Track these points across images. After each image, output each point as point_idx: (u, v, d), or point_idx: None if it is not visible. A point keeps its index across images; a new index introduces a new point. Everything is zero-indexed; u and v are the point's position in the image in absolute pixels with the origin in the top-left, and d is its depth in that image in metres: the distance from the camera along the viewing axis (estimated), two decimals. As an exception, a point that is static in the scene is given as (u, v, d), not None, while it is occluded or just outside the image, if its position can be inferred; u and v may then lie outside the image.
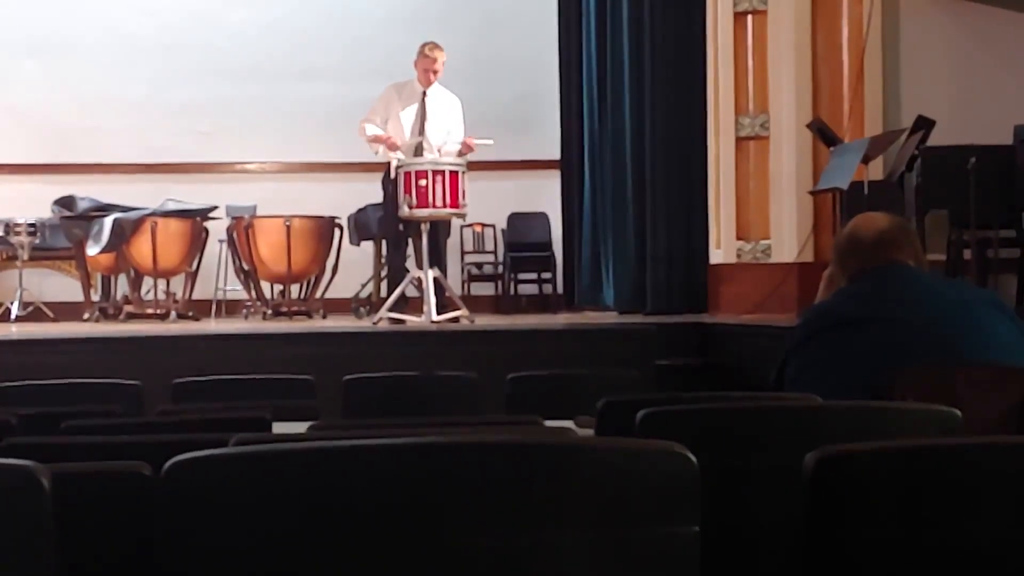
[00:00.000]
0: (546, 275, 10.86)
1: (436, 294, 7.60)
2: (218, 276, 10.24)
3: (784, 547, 1.82)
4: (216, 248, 9.79)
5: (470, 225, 10.75)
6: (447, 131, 8.20)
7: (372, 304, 9.38)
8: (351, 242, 9.77)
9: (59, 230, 9.53)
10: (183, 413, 3.40)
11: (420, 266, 7.73)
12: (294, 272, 9.02)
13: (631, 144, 9.04)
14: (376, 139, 8.13)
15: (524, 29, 11.01)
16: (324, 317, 9.08)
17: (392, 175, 7.84)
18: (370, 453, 1.52)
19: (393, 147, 7.99)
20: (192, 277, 9.27)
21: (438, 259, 7.90)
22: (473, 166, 7.98)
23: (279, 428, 2.79)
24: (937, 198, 6.61)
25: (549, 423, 2.71)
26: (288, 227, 8.83)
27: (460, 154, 8.01)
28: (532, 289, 10.99)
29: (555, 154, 10.63)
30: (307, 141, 10.99)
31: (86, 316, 9.16)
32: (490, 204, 10.24)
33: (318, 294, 9.42)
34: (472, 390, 4.02)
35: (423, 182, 7.46)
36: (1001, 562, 1.68)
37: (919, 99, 7.61)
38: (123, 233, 8.84)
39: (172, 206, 9.24)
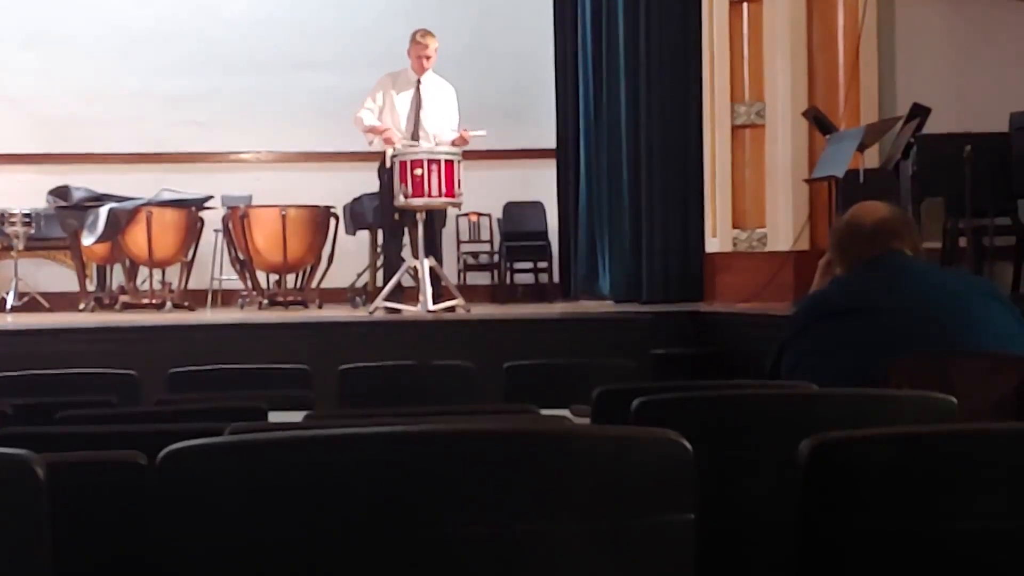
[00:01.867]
0: (542, 264, 10.86)
1: (432, 283, 7.60)
2: (214, 266, 10.23)
3: (779, 534, 1.82)
4: (212, 238, 9.78)
5: (466, 214, 10.75)
6: (442, 119, 8.20)
7: (368, 293, 9.38)
8: (347, 231, 9.76)
9: (54, 220, 9.52)
10: (179, 403, 3.40)
11: (416, 255, 7.73)
12: (290, 262, 9.02)
13: (627, 133, 9.04)
14: (372, 130, 8.12)
15: (520, 19, 11.01)
16: (320, 307, 9.08)
17: (388, 164, 7.84)
18: (365, 442, 1.51)
19: (389, 142, 7.96)
20: (188, 267, 9.26)
21: (434, 248, 7.90)
22: (469, 155, 7.97)
23: (275, 417, 2.79)
24: (933, 186, 6.61)
25: (545, 412, 2.71)
26: (284, 216, 8.83)
27: (455, 143, 8.00)
28: (528, 278, 10.99)
29: (551, 143, 10.62)
30: (303, 131, 10.98)
31: (82, 306, 9.16)
32: (486, 193, 10.23)
33: (314, 284, 9.41)
34: (468, 379, 4.02)
35: (419, 171, 7.45)
36: (996, 548, 1.68)
37: (915, 87, 7.61)
38: (118, 223, 8.83)
39: (167, 196, 9.22)
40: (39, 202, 9.62)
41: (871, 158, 7.21)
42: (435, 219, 8.05)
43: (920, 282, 3.10)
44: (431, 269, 7.63)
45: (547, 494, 1.50)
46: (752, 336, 6.55)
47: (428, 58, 8.15)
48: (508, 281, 10.93)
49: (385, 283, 8.07)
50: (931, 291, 3.06)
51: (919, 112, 7.02)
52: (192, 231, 9.15)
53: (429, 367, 4.24)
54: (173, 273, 9.29)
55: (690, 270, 8.65)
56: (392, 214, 8.06)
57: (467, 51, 10.25)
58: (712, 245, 8.45)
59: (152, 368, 4.35)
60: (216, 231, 9.68)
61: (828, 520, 1.66)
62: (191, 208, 9.15)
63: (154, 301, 8.91)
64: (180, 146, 10.98)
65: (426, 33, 8.18)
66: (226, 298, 10.30)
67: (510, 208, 11.04)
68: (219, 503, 1.47)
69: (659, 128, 8.74)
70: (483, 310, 8.38)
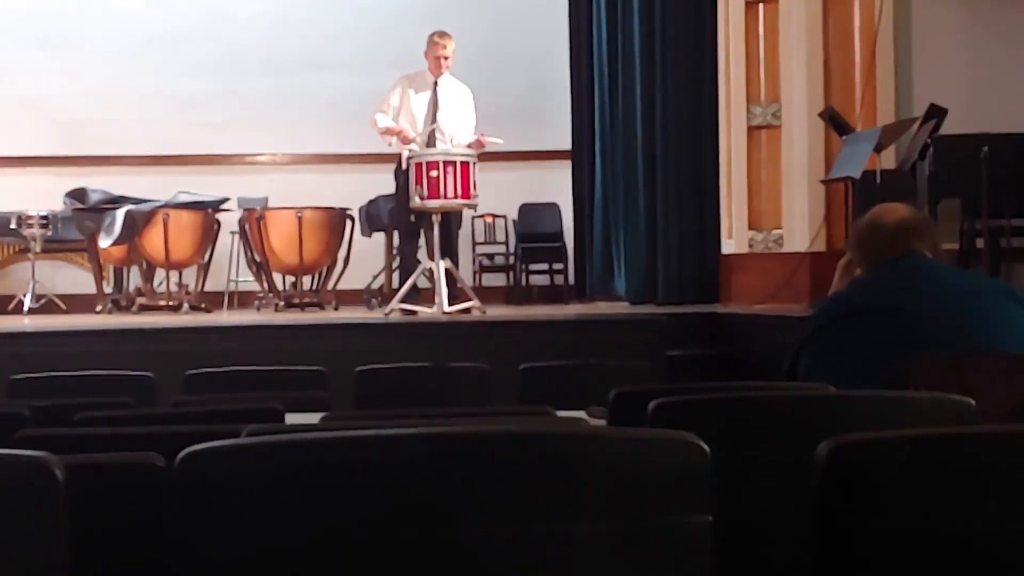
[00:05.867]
0: (557, 266, 10.86)
1: (447, 285, 7.60)
2: (230, 268, 10.25)
3: (797, 536, 1.81)
4: (228, 240, 9.80)
5: (481, 216, 10.76)
6: (459, 120, 8.20)
7: (384, 295, 9.39)
8: (363, 233, 9.77)
9: (71, 222, 9.55)
10: (196, 404, 3.40)
11: (431, 257, 7.73)
12: (306, 263, 9.03)
13: (642, 134, 9.03)
14: (388, 131, 8.13)
15: (535, 20, 11.00)
16: (336, 308, 9.09)
17: (404, 166, 7.85)
18: (382, 443, 1.52)
19: (406, 141, 7.97)
20: (204, 269, 9.28)
21: (449, 250, 7.90)
22: (484, 157, 7.97)
23: (292, 419, 2.79)
24: (950, 187, 6.59)
25: (561, 413, 2.71)
26: (300, 218, 8.84)
27: (470, 146, 8.01)
28: (543, 280, 10.99)
29: (566, 145, 10.62)
30: (318, 132, 10.99)
31: (98, 308, 9.18)
32: (501, 195, 10.25)
33: (330, 285, 9.43)
34: (484, 381, 4.02)
35: (434, 173, 7.45)
36: (1014, 550, 1.68)
37: (931, 87, 7.59)
38: (135, 225, 8.85)
39: (184, 198, 9.25)
40: (56, 204, 9.65)
41: (888, 159, 7.19)
42: (451, 220, 8.05)
43: (939, 283, 3.10)
44: (447, 271, 7.63)
45: (564, 496, 1.50)
46: (768, 337, 6.53)
47: (446, 59, 8.16)
48: (523, 282, 10.93)
49: (401, 285, 8.08)
50: (949, 292, 3.06)
51: (936, 113, 7.00)
52: (208, 233, 9.17)
53: (445, 369, 4.24)
54: (190, 275, 9.31)
55: (706, 271, 8.64)
56: (408, 216, 8.07)
57: (482, 52, 10.25)
58: (728, 246, 8.44)
59: (169, 370, 4.36)
60: (232, 233, 9.70)
61: (845, 522, 1.66)
62: (207, 210, 9.17)
63: (171, 303, 8.92)
64: (196, 148, 11.00)
65: (444, 34, 8.18)
66: (242, 300, 10.32)
67: (525, 209, 11.04)
68: (236, 505, 1.48)
69: (674, 129, 8.73)
70: (499, 311, 8.38)
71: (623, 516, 1.51)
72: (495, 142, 8.00)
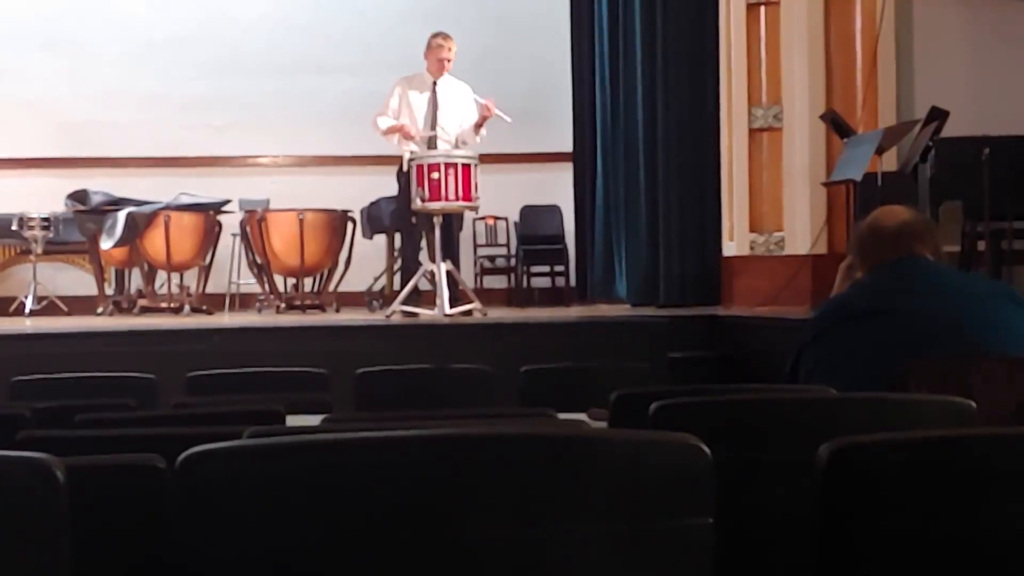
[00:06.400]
0: (559, 268, 10.85)
1: (449, 287, 7.60)
2: (231, 270, 10.25)
3: (798, 538, 1.81)
4: (229, 242, 9.80)
5: (483, 218, 10.76)
6: (461, 118, 8.22)
7: (385, 297, 9.39)
8: (364, 235, 9.77)
9: (73, 224, 9.55)
10: (197, 406, 3.40)
11: (433, 259, 7.74)
12: (307, 265, 9.03)
13: (644, 136, 9.03)
14: (391, 130, 8.16)
15: (537, 22, 11.01)
16: (337, 310, 9.09)
17: (405, 168, 7.86)
18: (384, 445, 1.52)
19: (408, 136, 7.99)
20: (205, 271, 9.28)
21: (451, 252, 7.91)
22: (486, 159, 7.97)
23: (293, 421, 2.80)
24: (951, 189, 6.59)
25: (562, 415, 2.71)
26: (301, 220, 8.84)
27: (479, 123, 8.01)
28: (545, 282, 10.98)
29: (568, 147, 10.62)
30: (320, 134, 11.00)
31: (100, 310, 9.19)
32: (503, 197, 10.24)
33: (331, 287, 9.42)
34: (485, 383, 4.03)
35: (436, 175, 7.45)
36: (1016, 552, 1.67)
37: (933, 90, 7.59)
38: (136, 227, 8.85)
39: (185, 200, 9.25)
40: (57, 206, 9.65)
41: (889, 161, 7.19)
42: (452, 223, 8.05)
43: (940, 285, 3.10)
44: (448, 273, 7.64)
45: (565, 498, 1.50)
46: (769, 340, 6.53)
47: (448, 60, 8.19)
48: (525, 285, 10.92)
49: (402, 287, 8.08)
50: (951, 294, 3.06)
51: (937, 115, 7.00)
52: (210, 235, 9.17)
53: (446, 371, 4.25)
54: (191, 277, 9.31)
55: (707, 273, 8.64)
56: (409, 218, 8.08)
57: (484, 54, 10.25)
58: (729, 248, 8.43)
59: (170, 371, 4.36)
60: (234, 235, 9.69)
61: (847, 524, 1.66)
62: (209, 212, 9.17)
63: (172, 305, 8.92)
64: (198, 150, 11.01)
65: (447, 36, 8.21)
66: (244, 302, 10.32)
67: (527, 212, 11.03)
68: (238, 506, 1.48)
69: (676, 131, 8.73)
70: (500, 314, 8.37)
71: (624, 518, 1.51)
72: (503, 117, 7.97)
